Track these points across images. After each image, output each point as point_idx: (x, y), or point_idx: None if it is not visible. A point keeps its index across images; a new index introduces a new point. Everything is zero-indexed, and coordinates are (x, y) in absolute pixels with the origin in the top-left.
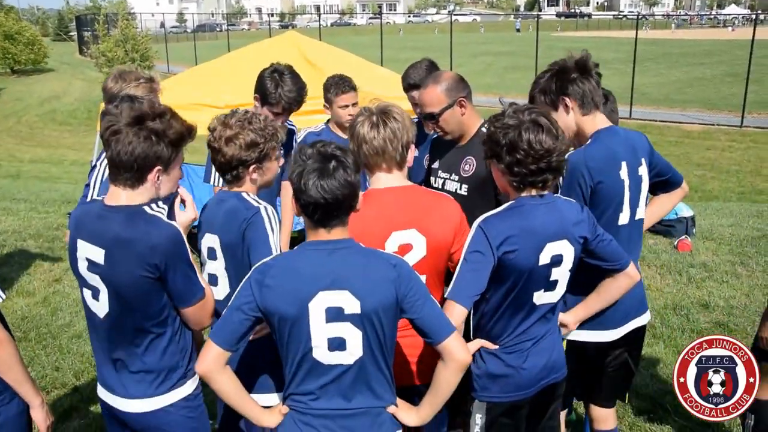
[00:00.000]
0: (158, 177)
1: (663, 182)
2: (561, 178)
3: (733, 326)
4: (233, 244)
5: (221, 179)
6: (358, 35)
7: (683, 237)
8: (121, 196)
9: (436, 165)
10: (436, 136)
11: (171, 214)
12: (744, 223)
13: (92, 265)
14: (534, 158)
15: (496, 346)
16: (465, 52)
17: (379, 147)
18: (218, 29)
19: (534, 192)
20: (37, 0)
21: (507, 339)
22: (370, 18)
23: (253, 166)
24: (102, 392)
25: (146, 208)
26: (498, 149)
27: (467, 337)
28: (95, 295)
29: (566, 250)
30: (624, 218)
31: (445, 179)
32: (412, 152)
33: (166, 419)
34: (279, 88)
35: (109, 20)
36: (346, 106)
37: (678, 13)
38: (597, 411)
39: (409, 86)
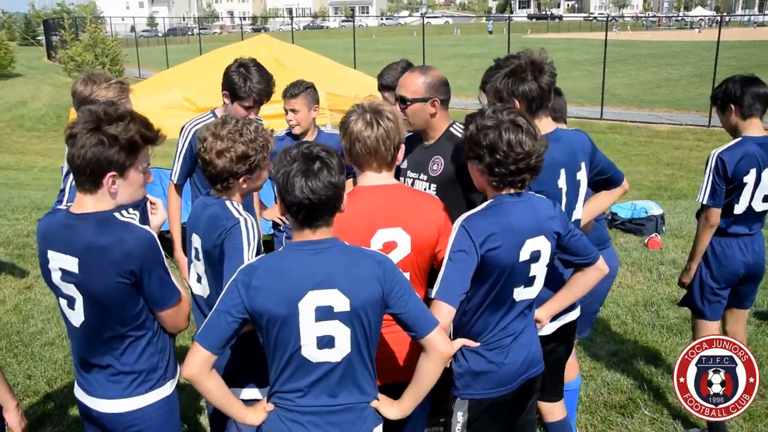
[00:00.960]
0: (112, 182)
1: (604, 180)
2: None
3: None
4: (211, 250)
5: (177, 175)
6: (331, 38)
7: (653, 235)
8: (86, 203)
9: (404, 165)
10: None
11: (145, 219)
12: None
13: (66, 275)
14: (514, 159)
15: (478, 344)
16: (438, 54)
17: (372, 147)
18: (190, 33)
19: (512, 191)
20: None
21: (488, 336)
22: (343, 21)
23: (244, 177)
24: (79, 393)
25: (117, 214)
26: (478, 150)
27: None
28: (71, 304)
29: (543, 245)
30: None
31: (414, 179)
32: (402, 151)
33: (144, 420)
34: (248, 81)
35: (77, 24)
36: (293, 110)
37: (646, 15)
38: (544, 405)
39: (383, 86)
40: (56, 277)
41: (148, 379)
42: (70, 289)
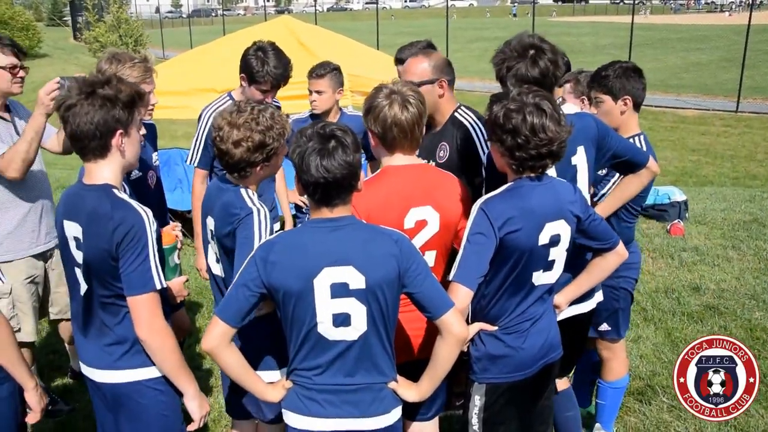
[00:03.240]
0: (121, 141)
1: (623, 163)
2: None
3: (723, 309)
4: (222, 236)
5: (196, 159)
6: (354, 20)
7: (676, 221)
8: (93, 172)
9: (416, 151)
10: None
11: (139, 196)
12: (737, 207)
13: (77, 243)
14: (536, 144)
15: (496, 328)
16: (461, 37)
17: (409, 129)
18: (214, 14)
19: (532, 174)
20: None
21: (506, 320)
22: (367, 3)
23: (261, 165)
24: (81, 366)
25: (116, 190)
26: (500, 132)
27: (466, 321)
28: (77, 272)
29: (563, 229)
30: None
31: (435, 166)
32: (423, 131)
33: (139, 394)
34: (265, 65)
35: (101, 5)
36: (310, 92)
37: None
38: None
39: (399, 60)
40: (72, 246)
41: (140, 353)
42: (80, 257)
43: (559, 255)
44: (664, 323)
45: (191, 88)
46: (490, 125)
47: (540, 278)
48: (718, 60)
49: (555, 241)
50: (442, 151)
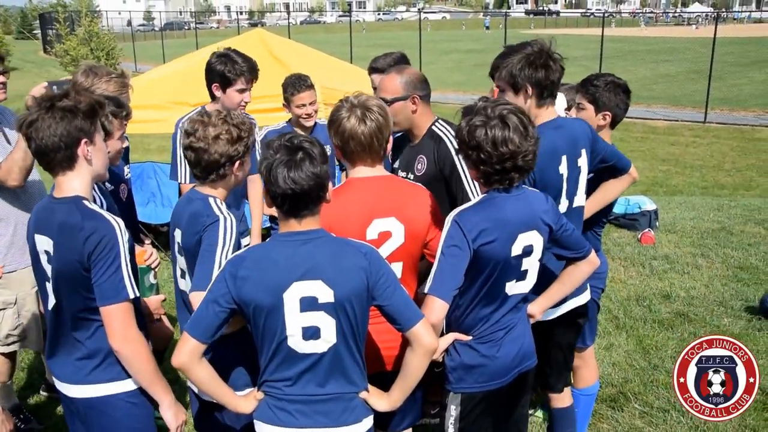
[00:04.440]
0: (87, 150)
1: (609, 168)
2: None
3: (693, 316)
4: (190, 246)
5: (186, 176)
6: (328, 33)
7: (646, 230)
8: (63, 185)
9: (396, 164)
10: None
11: (112, 207)
12: (705, 216)
13: (48, 257)
14: (499, 158)
15: (470, 338)
16: (435, 49)
17: (366, 143)
18: (186, 27)
19: (501, 187)
20: None
21: (480, 329)
22: (340, 16)
23: (239, 161)
24: (54, 380)
25: (86, 202)
26: (464, 146)
27: (441, 331)
28: (48, 287)
29: (536, 240)
30: (562, 207)
31: (404, 178)
32: (390, 143)
33: (113, 407)
34: (235, 64)
35: (72, 18)
36: (303, 105)
37: (644, 11)
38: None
39: (373, 69)
40: (44, 260)
41: (113, 365)
42: (50, 271)
43: (531, 265)
44: (636, 331)
45: (164, 102)
46: (458, 140)
47: (513, 288)
48: (686, 72)
49: (528, 251)
50: (419, 164)
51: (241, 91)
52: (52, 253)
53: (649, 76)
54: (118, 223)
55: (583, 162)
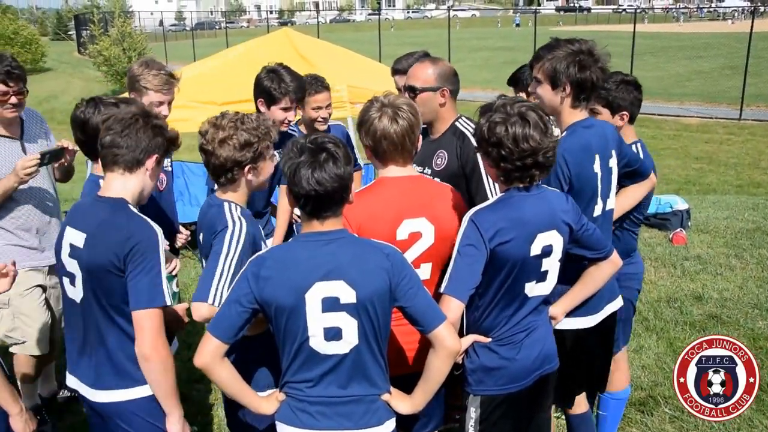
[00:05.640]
0: (152, 166)
1: (631, 173)
2: None
3: (726, 318)
4: (207, 254)
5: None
6: (357, 31)
7: (678, 230)
8: (113, 184)
9: (412, 163)
10: None
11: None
12: (739, 215)
13: (73, 250)
14: (520, 155)
15: (489, 340)
16: (464, 47)
17: (399, 142)
18: (217, 27)
19: (521, 185)
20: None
21: (500, 331)
22: (369, 14)
23: (248, 166)
24: (73, 382)
25: (131, 206)
26: (485, 144)
27: (460, 333)
28: (72, 281)
29: (556, 240)
30: (597, 210)
31: (419, 173)
32: (420, 142)
33: (133, 410)
34: (281, 83)
35: (106, 19)
36: (319, 107)
37: (677, 6)
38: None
39: (396, 71)
40: (65, 253)
41: (136, 375)
42: (73, 266)
43: (552, 265)
44: (666, 333)
45: (192, 101)
46: (477, 138)
47: (533, 289)
48: (720, 68)
49: (547, 251)
50: (439, 159)
51: (286, 109)
52: (82, 247)
53: (683, 72)
54: (159, 231)
55: (613, 163)
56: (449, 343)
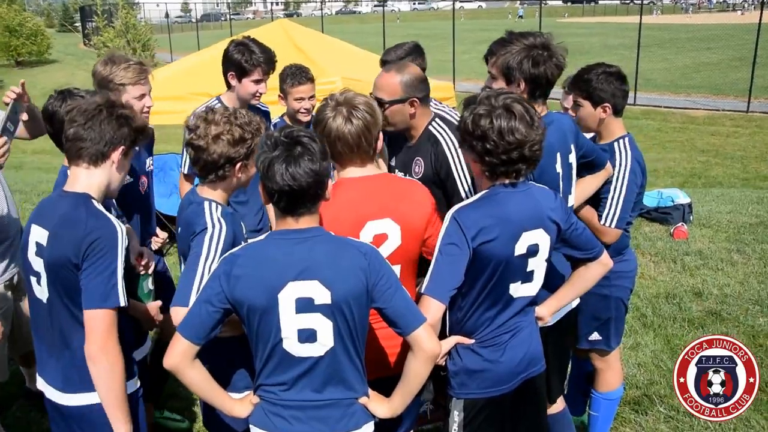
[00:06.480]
0: (119, 158)
1: (588, 163)
2: None
3: (726, 315)
4: (184, 252)
5: (186, 165)
6: (362, 23)
7: (679, 224)
8: (78, 178)
9: (393, 163)
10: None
11: (128, 202)
12: (743, 209)
13: (39, 249)
14: (506, 148)
15: (472, 341)
16: (469, 38)
17: (354, 143)
18: (223, 19)
19: (507, 181)
20: None
21: (484, 333)
22: (375, 6)
23: (240, 163)
24: (41, 383)
25: (94, 201)
26: (468, 137)
27: (443, 334)
28: (39, 280)
29: (542, 239)
30: None
31: (396, 175)
32: (381, 141)
33: (95, 417)
34: (252, 54)
35: (111, 11)
36: (302, 98)
37: None
38: None
39: (384, 62)
40: (32, 252)
41: None
42: (38, 264)
43: (538, 266)
44: (664, 330)
45: (187, 93)
46: (461, 132)
47: (518, 290)
48: (728, 59)
49: (533, 251)
50: (417, 167)
51: (257, 81)
52: (44, 245)
53: (690, 64)
54: (120, 228)
55: (572, 158)
56: (428, 346)
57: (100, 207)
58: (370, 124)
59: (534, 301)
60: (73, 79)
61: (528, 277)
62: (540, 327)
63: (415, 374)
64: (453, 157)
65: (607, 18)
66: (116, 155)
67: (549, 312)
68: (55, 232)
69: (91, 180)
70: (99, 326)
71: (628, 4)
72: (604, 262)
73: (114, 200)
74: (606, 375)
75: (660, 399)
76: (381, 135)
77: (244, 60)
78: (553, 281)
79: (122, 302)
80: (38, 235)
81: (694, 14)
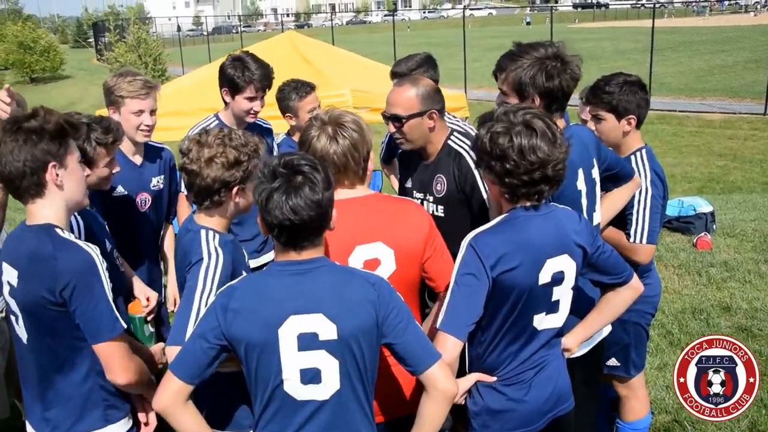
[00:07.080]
0: (57, 174)
1: (613, 176)
2: None
3: (757, 330)
4: (181, 283)
5: (184, 185)
6: (372, 33)
7: (702, 234)
8: (34, 213)
9: (408, 184)
10: (401, 151)
11: (120, 213)
12: None
13: (11, 289)
14: (527, 168)
15: (494, 379)
16: (480, 46)
17: (340, 163)
18: (234, 31)
19: (528, 203)
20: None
21: (506, 369)
22: (385, 15)
23: (237, 187)
24: (29, 428)
25: (58, 230)
26: (486, 157)
27: (462, 371)
28: (17, 320)
29: (567, 265)
30: None
31: (421, 200)
32: (372, 161)
33: None
34: (245, 71)
35: (123, 26)
36: (314, 108)
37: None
38: None
39: (395, 74)
40: (6, 291)
41: (87, 415)
42: (13, 305)
43: (563, 294)
44: None
45: (194, 108)
46: (477, 152)
47: (543, 322)
48: (744, 62)
49: (558, 279)
50: (438, 185)
51: (251, 99)
52: (15, 285)
53: (704, 67)
54: (94, 251)
55: (596, 173)
56: (443, 385)
57: (67, 235)
58: (357, 142)
59: (560, 332)
60: (86, 93)
61: (553, 308)
62: (567, 358)
63: (430, 417)
64: (476, 170)
65: (618, 22)
66: (50, 175)
67: (576, 342)
68: (24, 272)
69: (44, 212)
70: (116, 353)
71: (638, 8)
72: (635, 286)
73: (97, 208)
74: (631, 403)
75: (692, 425)
76: (372, 155)
77: (236, 76)
78: (581, 305)
79: (118, 331)
80: (9, 274)
81: (699, 16)
